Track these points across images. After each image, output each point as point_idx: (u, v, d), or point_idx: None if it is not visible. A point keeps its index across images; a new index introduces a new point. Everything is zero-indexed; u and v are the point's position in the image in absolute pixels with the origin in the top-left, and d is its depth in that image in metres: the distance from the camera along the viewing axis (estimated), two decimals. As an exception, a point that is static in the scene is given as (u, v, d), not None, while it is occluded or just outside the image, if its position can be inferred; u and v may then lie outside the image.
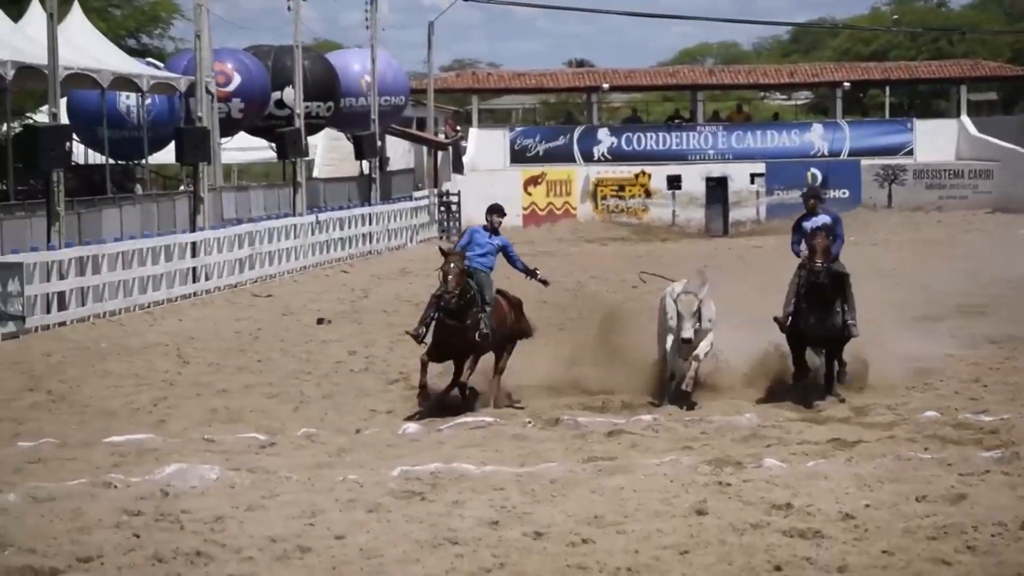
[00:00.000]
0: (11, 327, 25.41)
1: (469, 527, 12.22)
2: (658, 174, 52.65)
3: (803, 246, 18.09)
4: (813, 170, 52.43)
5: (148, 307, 30.07)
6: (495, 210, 18.65)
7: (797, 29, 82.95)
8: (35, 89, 35.50)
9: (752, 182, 52.45)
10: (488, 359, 18.34)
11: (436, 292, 17.93)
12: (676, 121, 55.50)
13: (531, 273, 18.67)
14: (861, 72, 57.13)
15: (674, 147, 53.59)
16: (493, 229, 18.46)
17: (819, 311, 17.90)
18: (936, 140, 53.58)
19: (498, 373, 18.47)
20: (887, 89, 59.50)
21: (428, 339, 17.88)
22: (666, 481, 13.84)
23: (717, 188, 52.65)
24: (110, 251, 29.15)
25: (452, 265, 17.71)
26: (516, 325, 18.66)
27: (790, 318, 18.00)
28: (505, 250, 18.41)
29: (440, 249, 18.54)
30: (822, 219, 18.32)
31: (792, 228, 18.62)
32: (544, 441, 16.34)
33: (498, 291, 18.46)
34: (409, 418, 17.55)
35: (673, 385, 17.98)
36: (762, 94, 67.30)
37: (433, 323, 17.84)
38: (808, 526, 12.09)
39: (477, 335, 17.79)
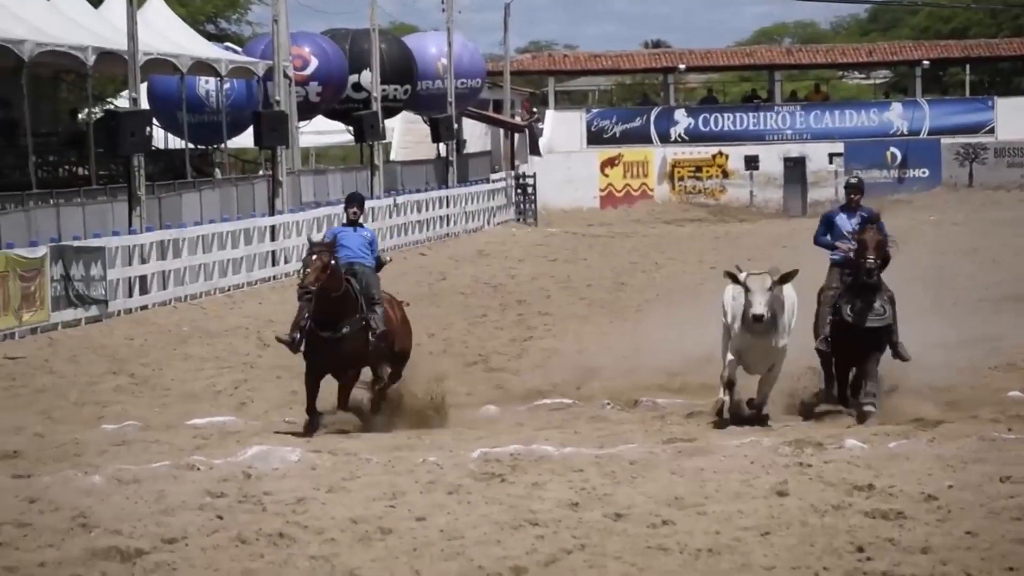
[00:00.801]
0: (94, 311, 25.65)
1: (549, 509, 12.22)
2: (735, 154, 52.36)
3: (838, 244, 16.45)
4: (892, 149, 52.04)
5: (228, 290, 30.27)
6: (353, 201, 16.59)
7: (875, 7, 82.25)
8: (115, 74, 35.83)
9: (831, 162, 52.01)
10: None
11: (299, 282, 15.77)
12: (754, 101, 55.20)
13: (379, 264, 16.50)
14: (941, 50, 56.50)
15: (751, 127, 53.29)
16: (352, 222, 16.38)
17: (863, 302, 16.12)
18: (1018, 118, 52.86)
19: (385, 384, 16.40)
20: (967, 67, 58.72)
21: (304, 347, 15.78)
22: (746, 462, 13.79)
23: (795, 168, 52.31)
24: (190, 235, 29.36)
25: (314, 257, 15.45)
26: (403, 334, 16.62)
27: (828, 340, 16.23)
28: (372, 244, 16.40)
29: (308, 239, 16.54)
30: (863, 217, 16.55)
31: (821, 220, 16.91)
32: (623, 423, 16.32)
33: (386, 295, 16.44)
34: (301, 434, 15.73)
35: (730, 399, 16.06)
36: (840, 73, 66.73)
37: (307, 328, 15.63)
38: (890, 507, 12.00)
39: (370, 335, 15.81)
